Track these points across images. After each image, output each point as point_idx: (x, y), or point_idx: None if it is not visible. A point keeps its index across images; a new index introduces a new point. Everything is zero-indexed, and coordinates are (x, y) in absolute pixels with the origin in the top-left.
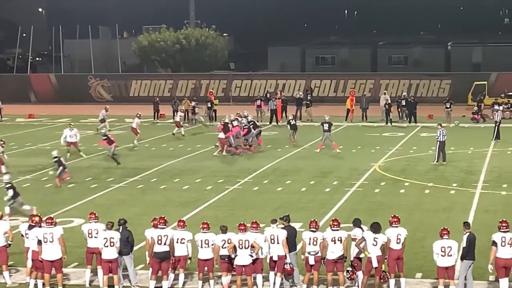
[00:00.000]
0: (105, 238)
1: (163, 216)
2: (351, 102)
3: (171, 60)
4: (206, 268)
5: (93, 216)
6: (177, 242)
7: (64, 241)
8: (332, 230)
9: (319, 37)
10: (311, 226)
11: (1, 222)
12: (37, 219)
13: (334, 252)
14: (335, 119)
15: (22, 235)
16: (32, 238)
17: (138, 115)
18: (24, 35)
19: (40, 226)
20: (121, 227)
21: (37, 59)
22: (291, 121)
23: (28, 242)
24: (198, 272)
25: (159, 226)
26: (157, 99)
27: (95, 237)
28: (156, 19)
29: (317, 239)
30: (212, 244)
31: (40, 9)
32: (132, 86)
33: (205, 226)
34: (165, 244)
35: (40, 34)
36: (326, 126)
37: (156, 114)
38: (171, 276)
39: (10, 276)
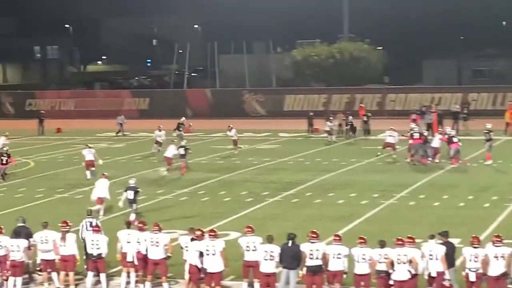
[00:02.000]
0: (265, 251)
1: (315, 230)
2: (510, 115)
3: (325, 74)
4: (362, 283)
5: (249, 229)
6: (333, 257)
7: (225, 253)
8: (495, 246)
9: (475, 49)
10: (474, 242)
11: (161, 234)
12: (198, 233)
13: (496, 269)
14: (494, 133)
15: (182, 247)
16: (191, 251)
17: (158, 127)
18: (180, 51)
19: (201, 240)
20: (290, 241)
21: (193, 74)
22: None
23: (187, 254)
24: (355, 287)
25: (310, 240)
26: (311, 113)
27: (253, 250)
28: (310, 34)
29: (478, 256)
30: (369, 259)
31: (195, 26)
32: (286, 100)
33: (362, 240)
34: (317, 258)
35: (196, 50)
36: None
37: (310, 128)
38: None
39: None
